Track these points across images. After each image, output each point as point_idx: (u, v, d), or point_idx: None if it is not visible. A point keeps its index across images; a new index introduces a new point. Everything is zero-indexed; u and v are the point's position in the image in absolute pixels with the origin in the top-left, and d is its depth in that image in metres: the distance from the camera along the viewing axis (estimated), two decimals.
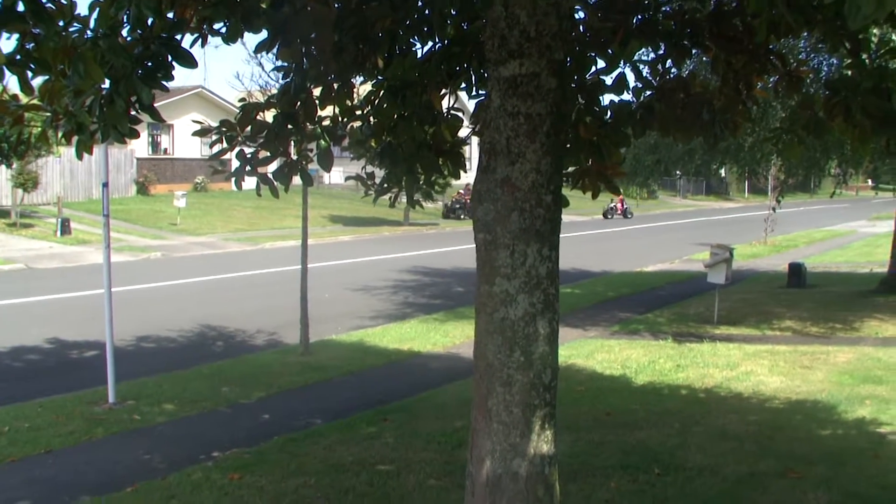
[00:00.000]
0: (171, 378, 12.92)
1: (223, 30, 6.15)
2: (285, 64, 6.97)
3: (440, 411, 10.92)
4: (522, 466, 5.76)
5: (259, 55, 18.71)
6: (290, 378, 12.81)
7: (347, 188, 55.57)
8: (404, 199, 8.03)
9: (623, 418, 10.45)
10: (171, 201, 41.79)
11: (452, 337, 15.98)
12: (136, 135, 6.45)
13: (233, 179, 7.24)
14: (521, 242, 5.60)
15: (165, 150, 52.46)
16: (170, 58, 6.03)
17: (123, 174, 47.13)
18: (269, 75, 14.71)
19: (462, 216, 49.94)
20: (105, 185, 11.92)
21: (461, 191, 50.52)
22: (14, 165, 36.79)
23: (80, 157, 6.61)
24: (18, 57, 4.88)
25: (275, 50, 6.75)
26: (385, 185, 7.99)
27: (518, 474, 5.76)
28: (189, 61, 6.03)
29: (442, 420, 10.41)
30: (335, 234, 40.99)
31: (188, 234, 38.02)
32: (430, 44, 7.24)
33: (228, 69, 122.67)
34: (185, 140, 52.01)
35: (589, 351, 14.51)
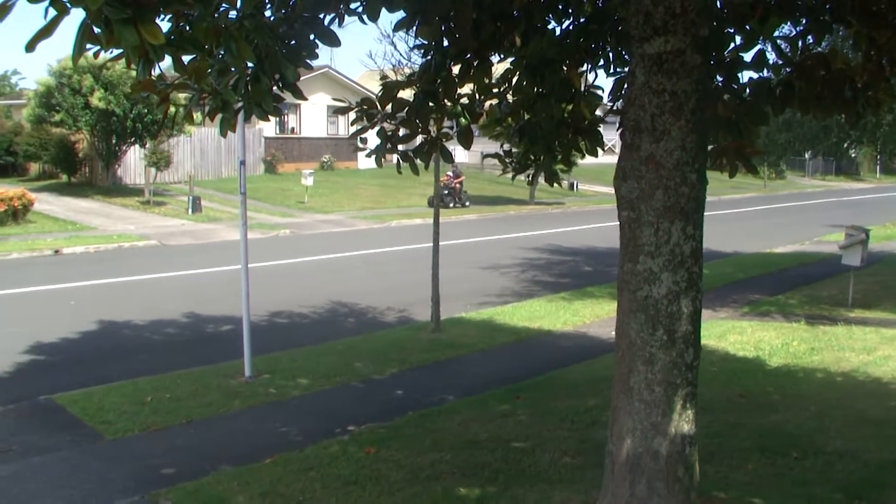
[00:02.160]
0: (304, 353, 13.13)
1: (359, 9, 6.21)
2: (425, 42, 7.00)
3: (572, 390, 10.90)
4: (663, 445, 5.74)
5: (392, 35, 18.85)
6: (421, 354, 12.91)
7: (472, 167, 55.57)
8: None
9: (758, 400, 10.30)
10: (298, 180, 42.30)
11: (582, 316, 15.91)
12: (279, 113, 6.56)
13: (373, 157, 7.32)
14: (665, 220, 5.57)
15: (293, 129, 53.05)
16: (313, 36, 6.11)
17: (252, 153, 47.83)
18: (402, 54, 14.76)
19: (451, 204, 42.71)
20: (242, 162, 12.16)
21: (449, 173, 43.04)
22: (147, 145, 37.64)
23: (223, 134, 6.73)
24: (172, 38, 4.97)
25: (413, 29, 6.81)
26: (523, 163, 7.99)
27: (658, 453, 5.74)
28: (332, 40, 6.11)
29: (574, 398, 10.39)
30: (461, 212, 41.05)
31: (316, 212, 38.45)
32: (567, 21, 7.22)
33: (352, 50, 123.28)
34: (312, 119, 52.64)
35: (721, 332, 14.32)
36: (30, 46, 4.09)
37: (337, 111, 7.73)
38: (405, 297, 17.87)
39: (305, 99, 6.73)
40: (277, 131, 51.15)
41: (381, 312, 16.65)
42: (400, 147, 7.32)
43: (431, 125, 7.35)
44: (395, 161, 7.39)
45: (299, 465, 8.16)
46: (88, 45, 4.24)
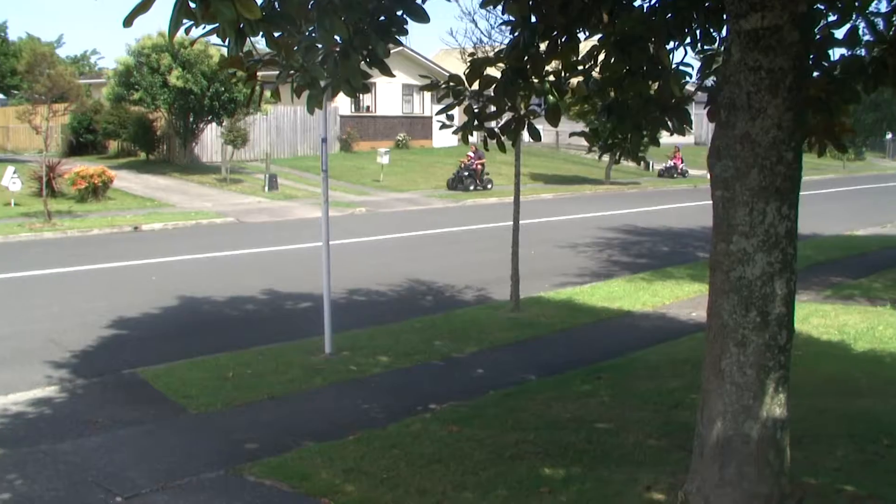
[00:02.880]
0: (383, 331, 13.14)
1: None
2: (513, 18, 6.94)
3: (654, 371, 10.80)
4: (754, 429, 5.64)
5: (473, 13, 18.74)
6: (501, 334, 12.86)
7: (546, 146, 55.38)
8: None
9: (844, 385, 10.11)
10: (373, 158, 42.40)
11: (661, 297, 15.76)
12: (367, 89, 6.53)
13: (457, 135, 7.28)
14: (760, 200, 5.46)
15: (368, 107, 53.18)
16: (401, 12, 6.08)
17: (327, 131, 47.92)
18: (483, 32, 14.66)
19: (472, 187, 40.06)
20: (324, 140, 12.19)
21: (470, 153, 40.30)
22: (224, 123, 37.94)
23: (311, 111, 6.73)
24: (264, 13, 4.96)
25: (499, 5, 6.75)
26: (610, 142, 7.91)
27: (749, 437, 5.64)
28: (421, 15, 6.07)
29: (656, 380, 10.29)
30: (536, 191, 40.94)
31: (391, 191, 38.56)
32: None
33: (426, 29, 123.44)
34: (387, 98, 52.72)
35: (803, 315, 14.07)
36: (128, 22, 4.09)
37: (424, 88, 7.69)
38: (482, 276, 17.84)
39: (393, 76, 6.69)
40: (353, 110, 51.30)
41: (458, 291, 16.63)
42: (486, 124, 7.26)
43: (518, 102, 7.28)
44: (480, 138, 7.34)
45: (382, 442, 8.16)
46: (184, 21, 4.24)
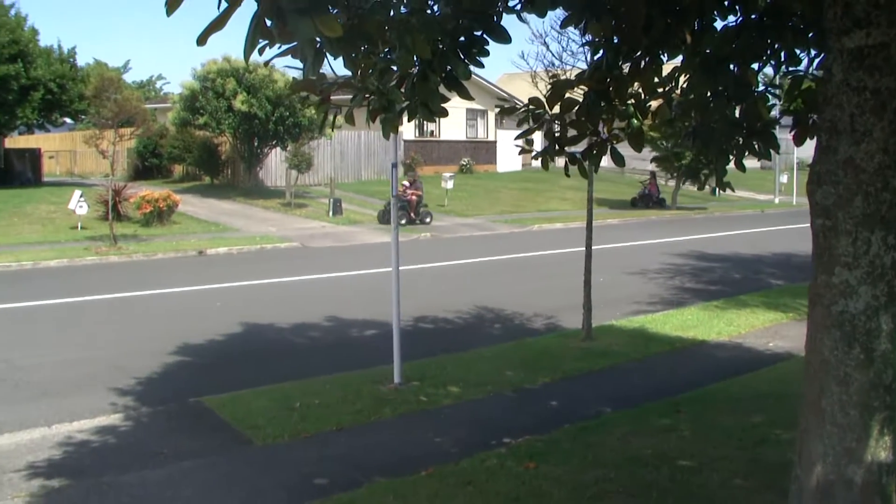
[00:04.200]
0: (452, 359, 12.85)
1: (517, 6, 5.92)
2: (595, 39, 6.69)
3: (734, 404, 10.40)
4: (858, 474, 5.28)
5: (544, 35, 18.48)
6: (573, 363, 12.52)
7: (611, 170, 54.97)
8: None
9: None
10: (437, 182, 42.26)
11: (736, 326, 15.31)
12: (446, 113, 6.28)
13: (537, 160, 7.01)
14: (864, 229, 5.12)
15: (432, 132, 53.16)
16: (481, 33, 5.83)
17: (391, 156, 47.98)
18: (554, 55, 14.40)
19: (403, 220, 33.24)
20: (394, 165, 11.98)
21: (405, 183, 35.47)
22: (289, 147, 38.05)
23: (387, 136, 6.52)
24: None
25: (579, 26, 6.48)
26: (694, 167, 7.62)
27: (852, 482, 5.29)
28: (503, 36, 5.83)
29: (738, 414, 9.90)
30: (602, 216, 40.54)
31: (456, 216, 38.37)
32: (737, 17, 6.82)
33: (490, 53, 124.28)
34: (450, 122, 52.62)
35: None
36: (201, 40, 3.89)
37: (502, 111, 7.43)
38: (552, 303, 17.51)
39: (472, 98, 6.42)
40: (416, 134, 51.29)
41: (528, 319, 16.31)
42: (567, 149, 6.98)
43: (601, 126, 7.01)
44: (558, 164, 7.07)
45: (457, 478, 7.86)
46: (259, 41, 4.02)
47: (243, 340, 14.51)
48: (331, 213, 35.70)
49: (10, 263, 23.66)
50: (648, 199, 46.52)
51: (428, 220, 35.65)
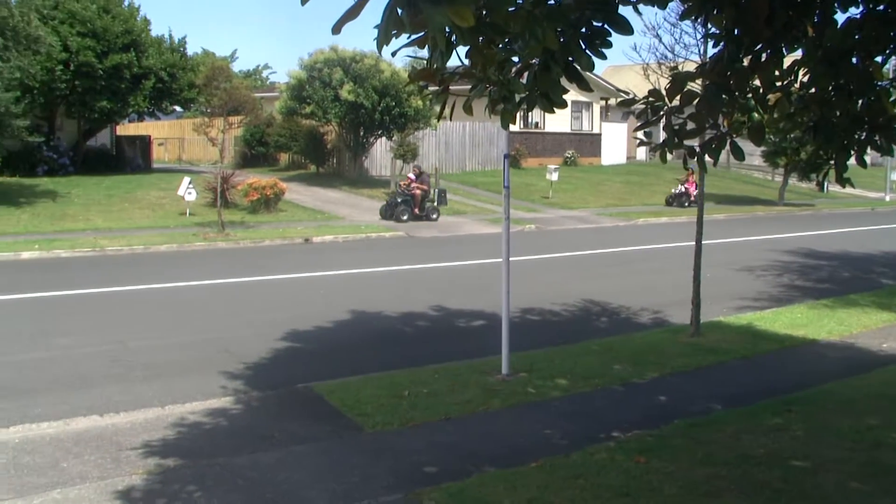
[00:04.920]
0: (560, 352, 12.81)
1: None
2: (717, 31, 6.60)
3: (848, 405, 10.18)
4: None
5: (657, 27, 18.34)
6: (682, 359, 12.38)
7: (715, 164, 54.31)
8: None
9: None
10: (541, 175, 42.17)
11: (847, 325, 14.99)
12: (565, 104, 6.25)
13: (654, 153, 6.95)
14: None
15: (536, 124, 53.01)
16: (603, 24, 5.79)
17: (496, 147, 48.02)
18: (666, 47, 14.21)
19: (405, 217, 32.15)
20: (506, 156, 11.93)
21: (410, 175, 34.10)
22: (394, 137, 38.24)
23: (505, 126, 6.49)
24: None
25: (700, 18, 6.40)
26: (814, 162, 7.49)
27: None
28: (625, 27, 5.77)
29: (851, 415, 9.70)
30: (708, 211, 39.90)
31: (560, 208, 38.24)
32: (860, 8, 6.68)
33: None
34: (555, 114, 52.22)
35: None
36: (336, 29, 3.91)
37: (621, 103, 7.38)
38: (658, 298, 17.39)
39: (591, 90, 6.39)
40: (521, 126, 51.15)
41: (634, 313, 16.19)
42: (687, 142, 6.91)
43: (721, 119, 6.92)
44: (676, 157, 7.01)
45: (566, 471, 7.84)
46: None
47: (350, 328, 14.63)
48: (436, 203, 35.79)
49: (121, 248, 24.17)
50: (685, 198, 41.72)
51: (435, 216, 33.26)
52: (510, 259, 11.62)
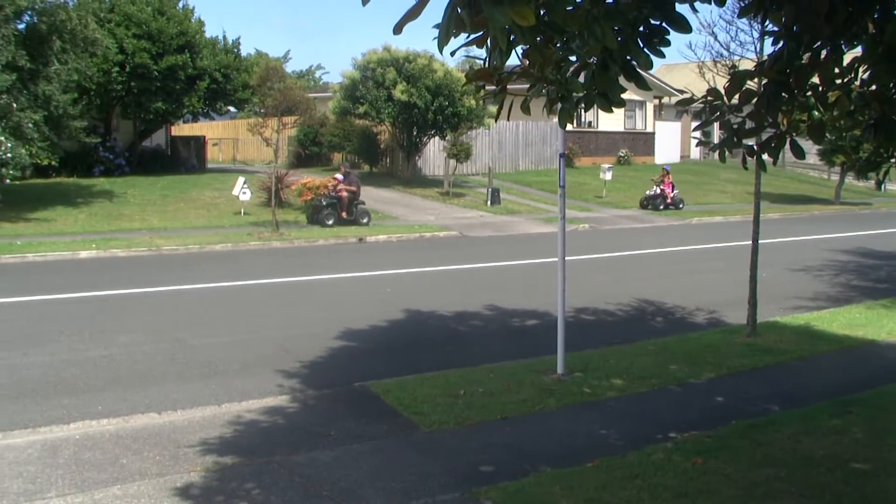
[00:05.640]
0: (615, 352, 12.76)
1: None
2: (776, 28, 6.54)
3: None
4: None
5: (713, 24, 18.20)
6: (738, 359, 12.28)
7: (769, 163, 53.90)
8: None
9: None
10: (594, 174, 42.08)
11: None
12: (623, 103, 6.23)
13: (715, 153, 6.90)
14: None
15: (589, 123, 52.85)
16: (661, 22, 5.76)
17: (549, 146, 47.95)
18: (721, 44, 14.12)
19: (330, 221, 29.95)
20: (562, 156, 11.87)
21: (337, 176, 31.27)
22: (448, 137, 38.28)
23: (563, 125, 6.47)
24: None
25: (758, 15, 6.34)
26: (873, 160, 7.41)
27: None
28: (683, 26, 5.73)
29: None
30: (763, 210, 39.74)
31: (614, 207, 38.13)
32: None
33: None
34: (608, 113, 52.21)
35: None
36: (397, 29, 3.95)
37: (679, 103, 7.33)
38: (712, 298, 17.27)
39: (649, 89, 6.36)
40: (574, 125, 50.93)
41: (689, 313, 16.09)
42: (745, 141, 6.85)
43: (780, 118, 6.85)
44: (714, 157, 6.94)
45: (623, 472, 7.81)
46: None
47: (405, 327, 14.67)
48: (489, 202, 35.81)
49: (177, 247, 24.38)
50: (660, 200, 39.08)
51: (365, 220, 30.65)
52: (566, 258, 11.58)
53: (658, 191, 39.25)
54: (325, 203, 30.24)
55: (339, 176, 31.04)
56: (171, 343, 13.35)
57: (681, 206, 39.20)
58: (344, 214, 30.14)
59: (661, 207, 38.50)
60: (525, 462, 8.23)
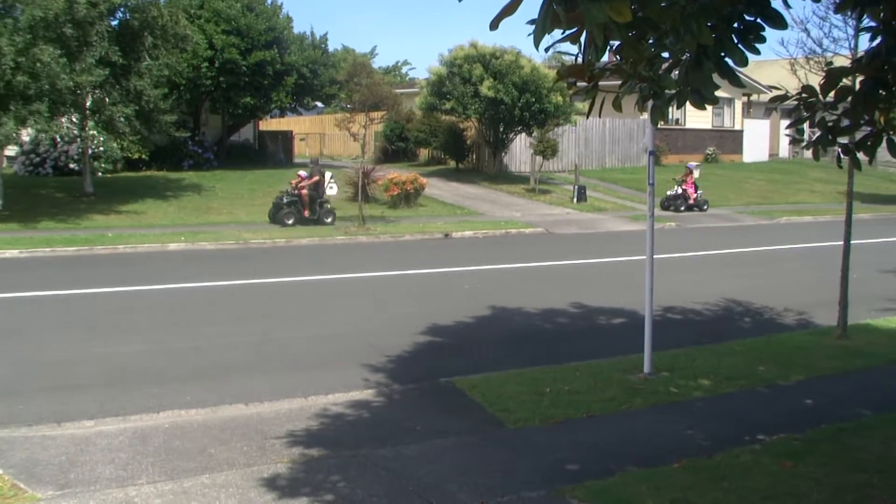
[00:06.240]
0: (702, 351, 12.62)
1: None
2: (873, 24, 6.42)
3: None
4: None
5: (805, 21, 17.92)
6: (828, 362, 12.08)
7: (863, 162, 52.97)
8: None
9: None
10: (682, 172, 41.64)
11: None
12: (716, 100, 6.16)
13: (806, 150, 6.79)
14: None
15: (677, 120, 52.36)
16: (756, 18, 5.69)
17: (636, 143, 47.66)
18: (814, 41, 13.90)
19: (290, 221, 28.27)
20: (651, 153, 11.81)
21: (301, 173, 29.59)
22: (534, 133, 38.22)
23: (655, 123, 6.46)
24: None
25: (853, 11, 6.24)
26: None
27: None
28: (779, 22, 5.66)
29: None
30: (854, 210, 39.04)
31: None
32: None
33: None
34: (696, 110, 51.39)
35: None
36: (493, 25, 3.97)
37: (773, 100, 7.20)
38: (801, 298, 17.02)
39: (743, 86, 6.29)
40: (663, 122, 50.57)
41: (778, 314, 15.87)
42: (840, 140, 6.74)
43: (877, 116, 6.73)
44: (805, 155, 6.82)
45: (710, 473, 7.73)
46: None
47: (490, 323, 14.68)
48: (575, 199, 35.67)
49: (264, 241, 24.72)
50: (681, 201, 36.60)
51: (329, 219, 28.98)
52: (641, 257, 11.49)
53: (679, 191, 37.03)
54: (285, 201, 28.79)
55: (302, 173, 29.53)
56: (257, 336, 13.51)
57: (705, 207, 36.97)
58: (307, 213, 28.80)
59: (683, 209, 36.25)
60: (610, 461, 8.18)
